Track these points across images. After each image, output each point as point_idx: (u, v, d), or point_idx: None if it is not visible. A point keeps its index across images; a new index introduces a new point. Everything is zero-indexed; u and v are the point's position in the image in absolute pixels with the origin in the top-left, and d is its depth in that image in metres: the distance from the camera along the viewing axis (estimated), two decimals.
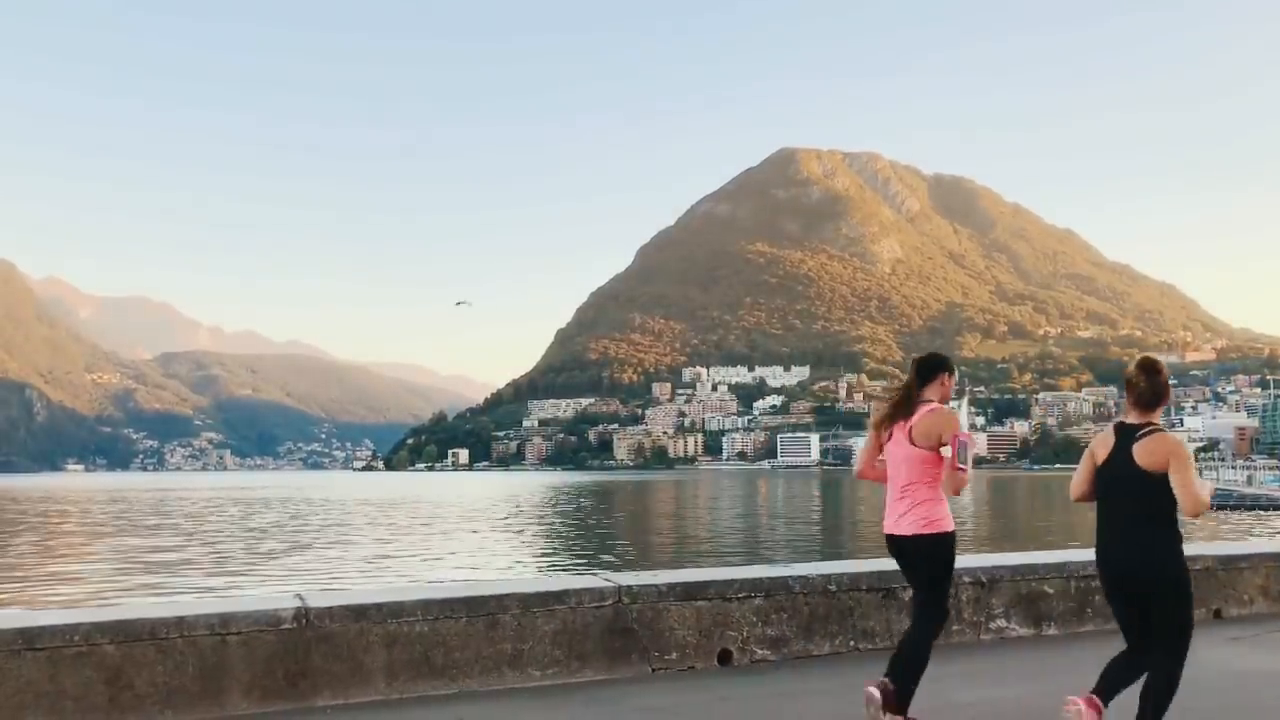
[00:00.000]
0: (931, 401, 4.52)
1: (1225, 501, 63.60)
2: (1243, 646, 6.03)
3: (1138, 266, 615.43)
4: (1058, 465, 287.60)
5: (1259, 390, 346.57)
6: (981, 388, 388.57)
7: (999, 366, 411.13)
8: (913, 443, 4.44)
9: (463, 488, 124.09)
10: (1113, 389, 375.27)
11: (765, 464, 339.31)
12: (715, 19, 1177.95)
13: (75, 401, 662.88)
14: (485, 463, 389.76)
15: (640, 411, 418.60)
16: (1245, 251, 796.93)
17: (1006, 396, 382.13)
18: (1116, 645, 6.06)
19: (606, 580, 5.58)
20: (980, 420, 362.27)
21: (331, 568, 26.92)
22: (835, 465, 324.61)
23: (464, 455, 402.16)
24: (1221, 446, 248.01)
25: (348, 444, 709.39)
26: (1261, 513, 54.69)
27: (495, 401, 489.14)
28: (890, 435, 4.54)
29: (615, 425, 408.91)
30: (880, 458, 4.69)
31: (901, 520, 4.53)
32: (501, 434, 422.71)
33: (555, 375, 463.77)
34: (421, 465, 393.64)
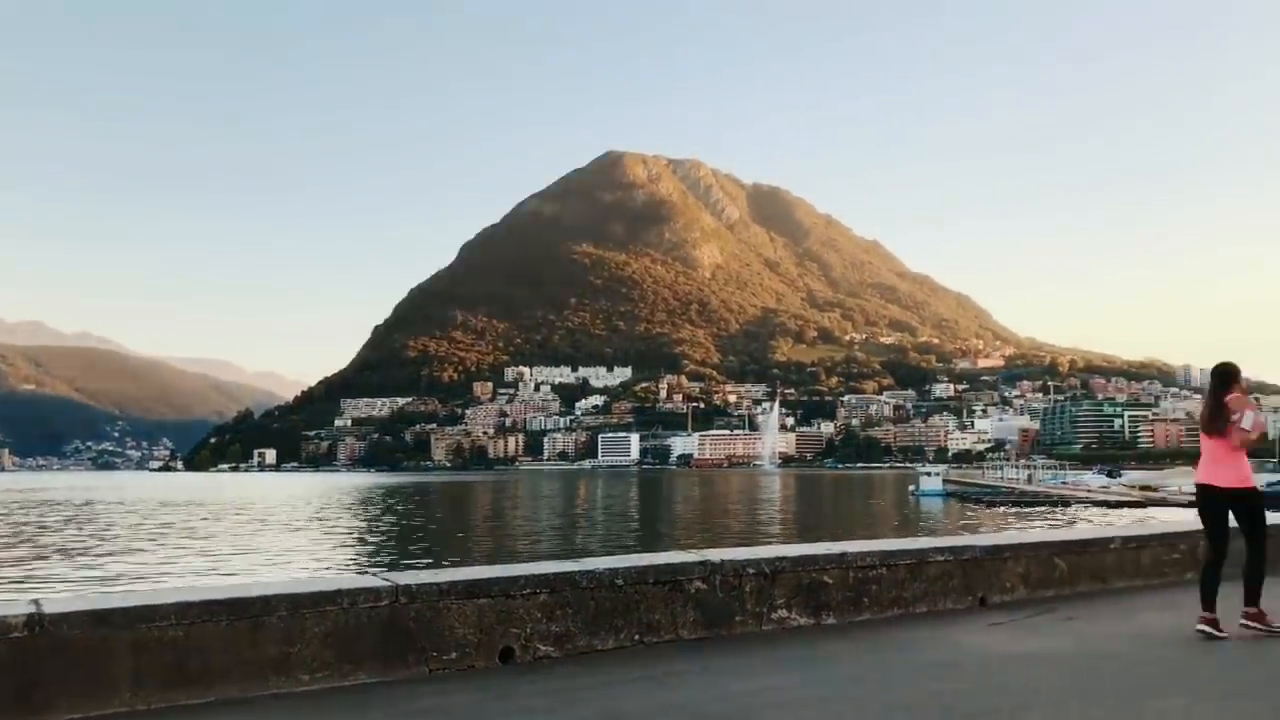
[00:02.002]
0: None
1: (1006, 498, 68.38)
2: (1002, 631, 6.39)
3: (937, 278, 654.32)
4: (859, 464, 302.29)
5: (1041, 395, 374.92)
6: (792, 390, 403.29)
7: (808, 370, 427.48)
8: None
9: (265, 489, 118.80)
10: (911, 392, 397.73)
11: (586, 464, 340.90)
12: (547, 19, 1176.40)
13: None
14: (294, 463, 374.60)
15: (460, 411, 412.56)
16: (1033, 267, 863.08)
17: (815, 398, 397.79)
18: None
19: (384, 580, 5.36)
20: (790, 420, 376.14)
21: (93, 575, 25.22)
22: (654, 465, 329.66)
23: (271, 455, 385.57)
24: (1007, 447, 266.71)
25: (144, 443, 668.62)
26: (1039, 508, 58.91)
27: (306, 399, 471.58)
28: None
29: (433, 425, 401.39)
30: None
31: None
32: (312, 433, 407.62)
33: (371, 373, 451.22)
34: (225, 465, 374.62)
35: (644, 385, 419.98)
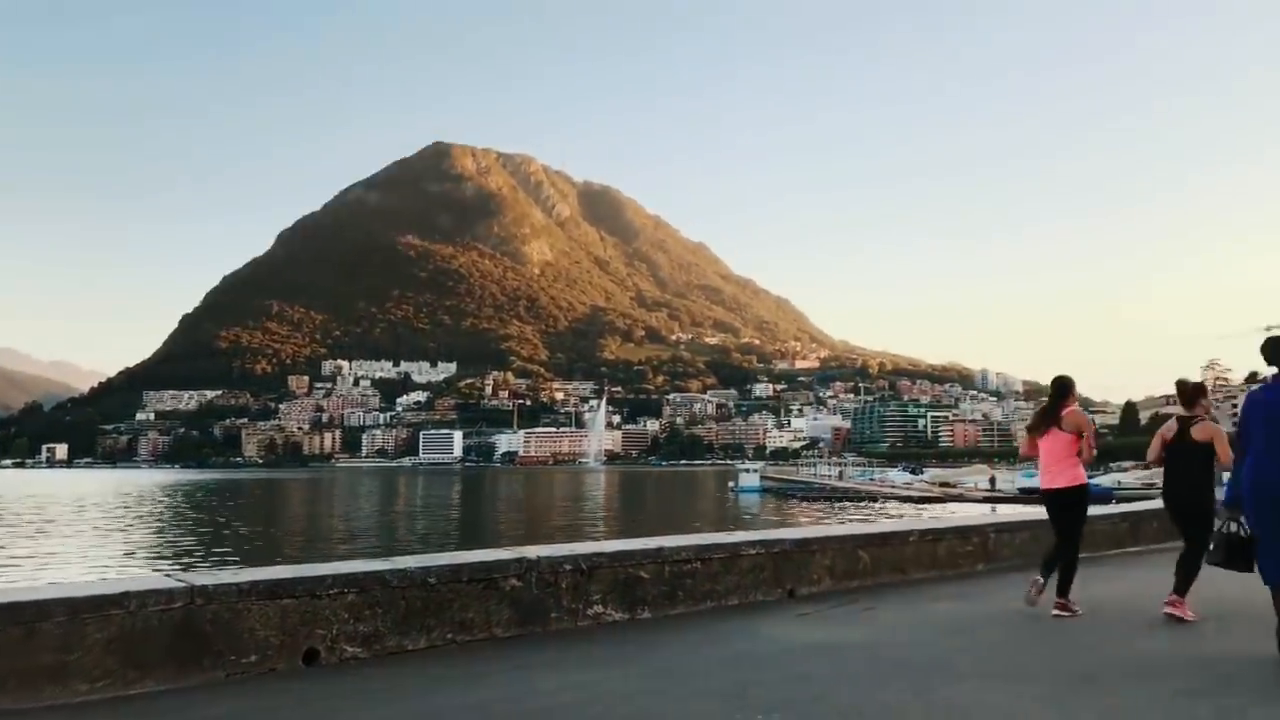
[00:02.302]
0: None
1: (819, 494, 71.28)
2: (809, 622, 6.62)
3: (759, 281, 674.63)
4: (683, 462, 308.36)
5: (853, 396, 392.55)
6: (619, 388, 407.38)
7: (635, 368, 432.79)
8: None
9: (54, 486, 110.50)
10: (733, 391, 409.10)
11: (407, 461, 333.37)
12: (376, 5, 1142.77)
13: None
14: (89, 459, 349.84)
15: (273, 405, 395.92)
16: (849, 272, 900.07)
17: (641, 396, 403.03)
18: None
19: (179, 581, 5.04)
20: (617, 418, 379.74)
21: None
22: (477, 463, 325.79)
23: (62, 450, 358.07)
24: (821, 445, 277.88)
25: None
26: (849, 503, 61.66)
27: (104, 391, 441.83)
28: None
29: (244, 420, 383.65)
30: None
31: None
32: (110, 427, 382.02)
33: (177, 364, 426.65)
34: (9, 461, 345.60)
35: (469, 381, 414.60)
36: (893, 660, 5.45)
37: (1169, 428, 7.09)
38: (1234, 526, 5.80)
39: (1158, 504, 13.85)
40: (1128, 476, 68.16)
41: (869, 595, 7.74)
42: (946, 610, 7.19)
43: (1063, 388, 7.34)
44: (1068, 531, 7.21)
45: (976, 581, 8.75)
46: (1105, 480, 66.05)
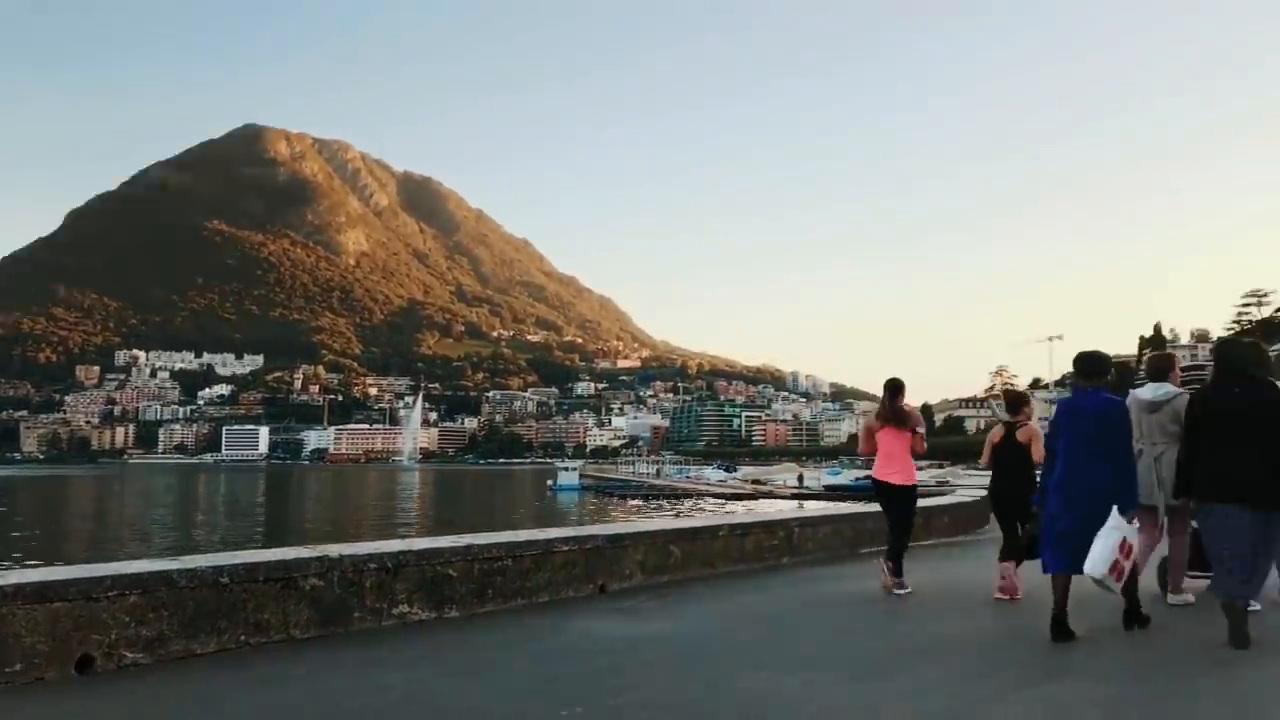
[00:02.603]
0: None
1: (637, 491, 72.22)
2: (618, 616, 6.65)
3: (583, 280, 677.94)
4: (501, 460, 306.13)
5: (672, 395, 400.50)
6: (437, 384, 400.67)
7: (454, 364, 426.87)
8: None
9: None
10: (554, 390, 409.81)
11: (208, 458, 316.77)
12: None
13: None
14: None
15: (58, 397, 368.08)
16: (670, 273, 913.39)
17: (460, 393, 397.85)
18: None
19: None
20: (434, 416, 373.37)
21: None
22: (284, 460, 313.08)
23: None
24: (640, 443, 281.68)
25: None
26: (665, 500, 62.74)
27: None
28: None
29: (24, 412, 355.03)
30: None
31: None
32: None
33: None
34: None
35: (277, 375, 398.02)
36: (698, 651, 5.55)
37: (996, 432, 7.69)
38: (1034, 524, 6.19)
39: (948, 500, 14.74)
40: (923, 475, 72.22)
41: (679, 589, 7.86)
42: (752, 601, 7.39)
43: (896, 387, 7.91)
44: (904, 522, 7.94)
45: (781, 573, 9.04)
46: None
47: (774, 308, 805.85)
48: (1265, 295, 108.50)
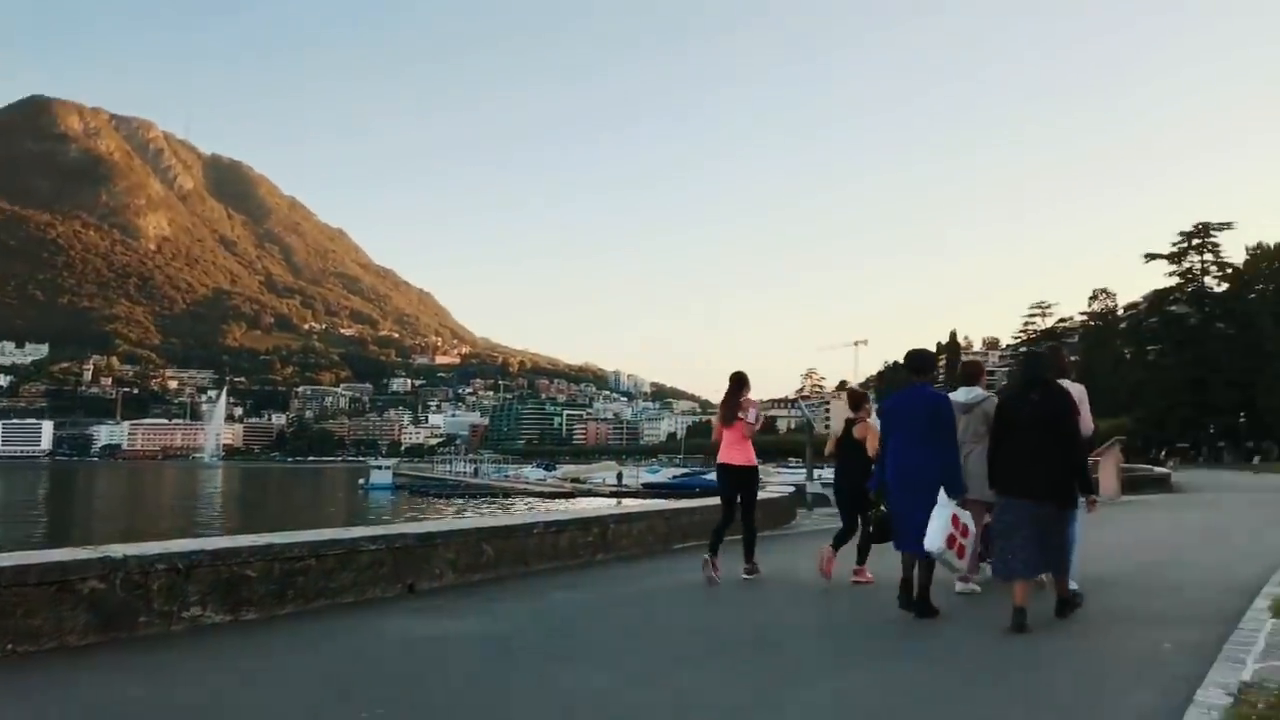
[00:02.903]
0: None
1: (454, 491, 71.24)
2: (427, 616, 6.51)
3: (401, 272, 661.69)
4: (311, 458, 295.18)
5: (492, 393, 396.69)
6: (243, 378, 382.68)
7: (262, 358, 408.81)
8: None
9: None
10: (369, 386, 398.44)
11: None
12: None
13: None
14: None
15: None
16: (492, 267, 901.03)
17: (267, 388, 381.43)
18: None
19: None
20: (239, 411, 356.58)
21: None
22: (71, 456, 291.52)
23: None
24: (458, 442, 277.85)
25: None
26: (483, 500, 62.12)
27: None
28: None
29: None
30: None
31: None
32: None
33: None
34: None
35: (64, 366, 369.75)
36: (508, 649, 5.50)
37: (839, 429, 8.50)
38: (884, 508, 6.78)
39: (759, 496, 15.19)
40: None
41: (492, 587, 7.78)
42: (566, 598, 7.39)
43: (741, 380, 8.51)
44: (749, 503, 8.52)
45: (596, 570, 9.10)
46: (714, 475, 71.39)
47: (597, 307, 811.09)
48: (1049, 307, 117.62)
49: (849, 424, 8.31)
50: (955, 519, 6.23)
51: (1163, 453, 69.74)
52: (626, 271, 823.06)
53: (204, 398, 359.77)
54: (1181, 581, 8.06)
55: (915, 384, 6.67)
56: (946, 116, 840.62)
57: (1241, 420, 73.49)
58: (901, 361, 7.08)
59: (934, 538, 6.15)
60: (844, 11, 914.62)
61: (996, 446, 6.33)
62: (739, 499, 8.50)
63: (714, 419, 8.89)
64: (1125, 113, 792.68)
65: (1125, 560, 9.03)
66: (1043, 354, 6.94)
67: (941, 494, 6.25)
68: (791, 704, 4.28)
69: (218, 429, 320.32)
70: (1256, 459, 66.51)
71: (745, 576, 8.26)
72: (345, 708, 4.23)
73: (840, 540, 8.08)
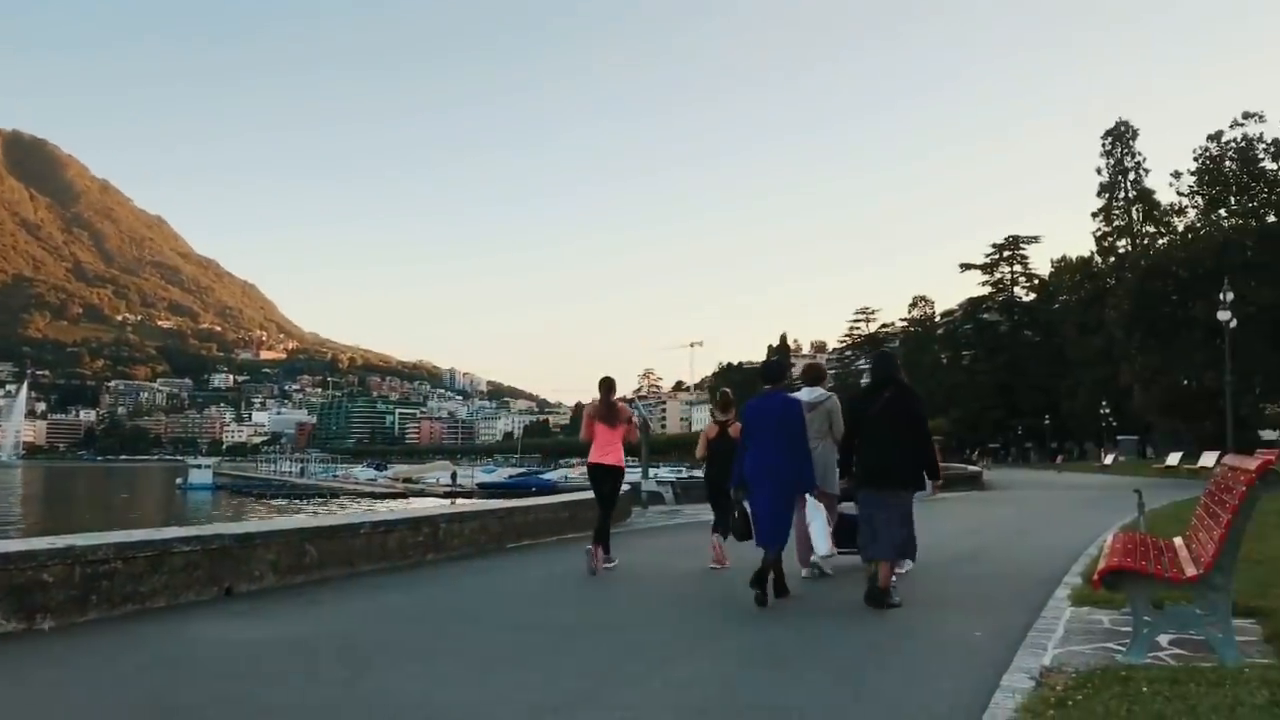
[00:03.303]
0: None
1: (279, 491, 68.52)
2: (244, 620, 6.21)
3: (224, 263, 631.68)
4: (124, 457, 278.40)
5: (321, 390, 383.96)
6: (46, 372, 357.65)
7: (69, 350, 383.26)
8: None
9: None
10: (188, 381, 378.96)
11: None
12: None
13: None
14: None
15: None
16: (321, 259, 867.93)
17: (75, 382, 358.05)
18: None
19: None
20: (42, 406, 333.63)
21: None
22: None
23: None
24: (284, 440, 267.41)
25: None
26: (310, 500, 59.97)
27: None
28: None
29: None
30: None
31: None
32: None
33: None
34: None
35: None
36: (330, 653, 5.29)
37: (711, 428, 9.39)
38: (746, 506, 7.03)
39: (592, 494, 15.23)
40: (574, 472, 74.60)
41: (315, 589, 7.50)
42: (393, 600, 7.20)
43: (611, 385, 9.27)
44: (612, 498, 9.23)
45: (426, 570, 8.91)
46: (554, 475, 71.65)
47: (431, 303, 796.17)
48: (873, 312, 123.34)
49: (723, 425, 9.16)
50: (828, 520, 6.93)
51: (975, 452, 73.81)
52: (463, 268, 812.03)
53: (1, 392, 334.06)
54: (992, 573, 8.54)
55: (770, 391, 7.12)
56: (778, 122, 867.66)
57: (1046, 423, 78.72)
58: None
59: (820, 543, 6.89)
60: (681, 12, 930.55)
61: (851, 440, 6.91)
62: (605, 493, 9.15)
63: (584, 417, 9.37)
64: (946, 127, 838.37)
65: (940, 553, 9.49)
66: (893, 354, 7.67)
67: (811, 501, 6.93)
68: (626, 691, 4.28)
69: (17, 426, 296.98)
70: (1060, 459, 71.38)
71: (605, 567, 8.67)
72: (152, 718, 3.97)
73: (720, 528, 8.76)
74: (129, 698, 4.38)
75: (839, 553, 7.68)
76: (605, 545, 8.85)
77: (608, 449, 9.06)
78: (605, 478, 9.12)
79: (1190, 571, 4.76)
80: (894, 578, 6.76)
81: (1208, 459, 31.82)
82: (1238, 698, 3.65)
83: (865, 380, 6.97)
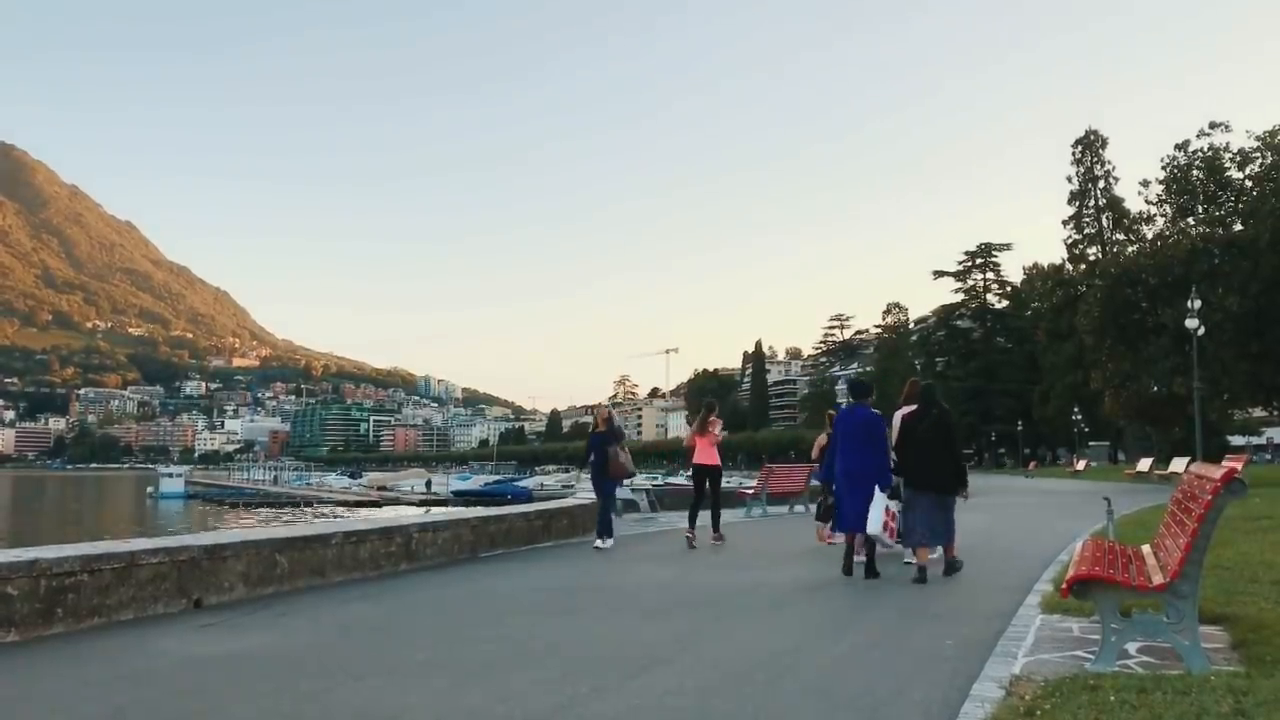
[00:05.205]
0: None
1: (252, 499, 67.93)
2: (214, 632, 6.14)
3: (196, 270, 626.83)
4: (94, 464, 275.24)
5: (294, 398, 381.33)
6: (14, 379, 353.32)
7: (38, 357, 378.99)
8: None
9: None
10: (159, 389, 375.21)
11: None
12: None
13: None
14: None
15: None
16: (293, 266, 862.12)
17: (44, 390, 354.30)
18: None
19: None
20: (10, 414, 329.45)
21: None
22: None
23: None
24: (257, 448, 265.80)
25: None
26: (283, 509, 59.47)
27: None
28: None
29: None
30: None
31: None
32: None
33: None
34: None
35: None
36: (301, 665, 5.23)
37: (821, 438, 12.38)
38: (830, 497, 9.13)
39: (568, 503, 15.21)
40: (550, 479, 74.43)
41: (286, 601, 7.42)
42: (365, 611, 7.14)
43: (711, 407, 12.42)
44: (718, 490, 12.25)
45: (398, 581, 8.83)
46: (529, 482, 71.42)
47: (406, 310, 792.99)
48: (847, 319, 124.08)
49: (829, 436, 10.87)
50: (888, 509, 8.35)
51: None
52: (439, 274, 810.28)
53: None
54: (963, 580, 8.58)
55: (855, 405, 8.95)
56: (752, 129, 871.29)
57: (1019, 428, 79.43)
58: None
59: (874, 524, 8.30)
60: (654, 24, 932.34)
61: (903, 451, 8.62)
62: (710, 487, 12.16)
63: (687, 434, 13.02)
64: (919, 135, 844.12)
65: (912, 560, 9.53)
66: (934, 385, 9.53)
67: (876, 490, 8.34)
68: (597, 704, 4.26)
69: None
70: (1032, 464, 71.95)
71: (713, 542, 11.90)
72: None
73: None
74: (89, 710, 4.31)
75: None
76: (715, 526, 12.14)
77: (706, 452, 12.07)
78: (709, 476, 12.14)
79: (1157, 580, 4.80)
80: (932, 555, 8.65)
81: (1178, 464, 32.17)
82: (1203, 706, 3.68)
83: (903, 404, 8.17)
